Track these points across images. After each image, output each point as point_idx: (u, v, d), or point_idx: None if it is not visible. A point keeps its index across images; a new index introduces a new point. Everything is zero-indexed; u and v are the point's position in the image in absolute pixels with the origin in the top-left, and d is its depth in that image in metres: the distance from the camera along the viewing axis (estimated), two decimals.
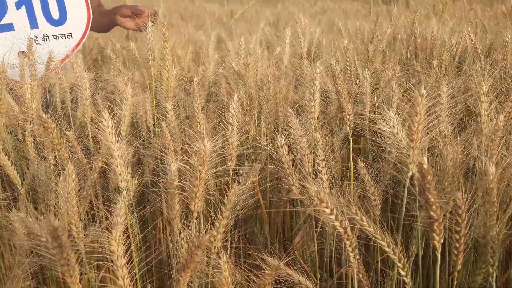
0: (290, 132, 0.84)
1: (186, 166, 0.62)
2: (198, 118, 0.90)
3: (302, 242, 0.81)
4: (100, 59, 2.27)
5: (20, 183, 0.81)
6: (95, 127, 0.82)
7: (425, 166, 0.50)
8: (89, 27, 1.47)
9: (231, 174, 0.76)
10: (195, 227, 0.62)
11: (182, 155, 0.86)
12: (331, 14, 3.02)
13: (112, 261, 0.59)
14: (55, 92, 1.32)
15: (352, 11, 3.53)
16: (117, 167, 0.62)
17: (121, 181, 0.63)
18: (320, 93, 1.01)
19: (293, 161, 0.76)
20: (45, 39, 1.43)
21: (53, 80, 1.32)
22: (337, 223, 0.51)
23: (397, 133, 0.66)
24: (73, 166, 0.65)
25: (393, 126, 0.66)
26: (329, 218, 0.50)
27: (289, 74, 1.27)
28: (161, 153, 0.85)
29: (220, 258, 0.60)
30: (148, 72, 1.38)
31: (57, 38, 1.45)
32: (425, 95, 0.55)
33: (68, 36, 1.46)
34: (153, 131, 1.00)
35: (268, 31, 1.84)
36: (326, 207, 0.50)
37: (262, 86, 0.93)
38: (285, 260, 0.61)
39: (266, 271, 0.59)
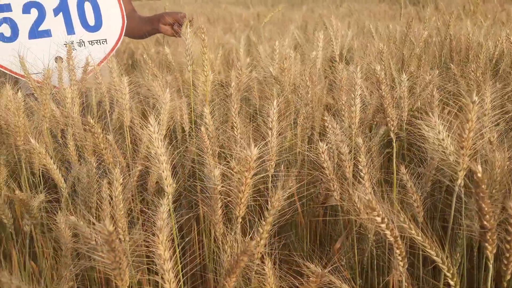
0: (327, 137, 0.84)
1: (230, 171, 0.63)
2: (235, 122, 0.91)
3: (341, 248, 0.81)
4: (131, 64, 2.31)
5: (64, 185, 0.84)
6: (140, 131, 0.83)
7: (479, 175, 0.48)
8: (123, 33, 1.51)
9: (270, 179, 0.76)
10: (239, 232, 0.63)
11: (225, 159, 0.86)
12: (359, 16, 2.99)
13: (151, 264, 0.60)
14: (91, 96, 1.35)
15: (379, 13, 3.49)
16: (163, 172, 0.63)
17: (167, 186, 0.64)
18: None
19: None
20: (81, 45, 1.47)
21: (89, 84, 1.36)
22: (388, 232, 0.50)
23: (443, 139, 0.65)
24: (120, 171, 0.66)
25: (439, 132, 0.65)
26: (380, 226, 0.50)
27: (321, 78, 1.27)
28: (200, 157, 0.86)
29: (264, 263, 0.60)
30: (182, 76, 1.40)
31: (93, 43, 1.49)
32: (476, 102, 0.54)
33: (103, 42, 1.49)
34: (190, 135, 1.01)
35: (298, 34, 1.84)
36: (378, 215, 0.49)
37: (298, 90, 0.93)
38: (329, 268, 0.61)
39: (311, 278, 0.59)
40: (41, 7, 1.43)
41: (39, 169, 0.96)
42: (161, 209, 0.65)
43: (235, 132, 0.90)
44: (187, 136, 1.05)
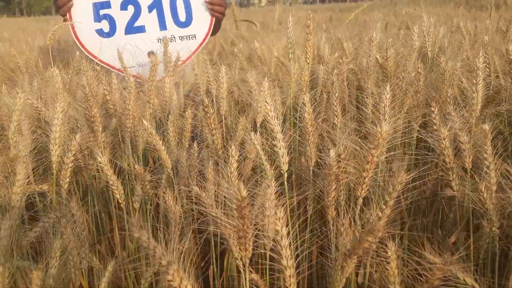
0: (436, 125, 0.80)
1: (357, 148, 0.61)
2: (337, 111, 0.89)
3: (455, 242, 0.76)
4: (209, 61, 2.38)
5: (170, 166, 0.86)
6: (237, 118, 0.84)
7: None
8: (212, 29, 1.55)
9: (381, 164, 0.74)
10: (358, 214, 0.61)
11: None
12: (438, 18, 2.86)
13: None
14: (179, 88, 1.40)
15: (457, 16, 3.33)
16: (280, 149, 0.63)
17: (283, 163, 0.64)
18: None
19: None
20: (172, 40, 1.53)
21: (177, 78, 1.41)
22: None
23: None
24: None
25: None
26: None
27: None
28: (300, 144, 0.86)
29: (387, 247, 0.57)
30: (269, 70, 1.41)
31: (182, 39, 1.54)
32: None
33: (192, 37, 1.55)
34: (285, 122, 1.01)
35: (380, 35, 1.79)
36: None
37: (403, 78, 0.90)
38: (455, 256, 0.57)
39: (438, 266, 0.56)
40: (137, 4, 1.51)
41: (142, 150, 1.00)
42: (269, 191, 0.65)
43: (336, 120, 0.88)
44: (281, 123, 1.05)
